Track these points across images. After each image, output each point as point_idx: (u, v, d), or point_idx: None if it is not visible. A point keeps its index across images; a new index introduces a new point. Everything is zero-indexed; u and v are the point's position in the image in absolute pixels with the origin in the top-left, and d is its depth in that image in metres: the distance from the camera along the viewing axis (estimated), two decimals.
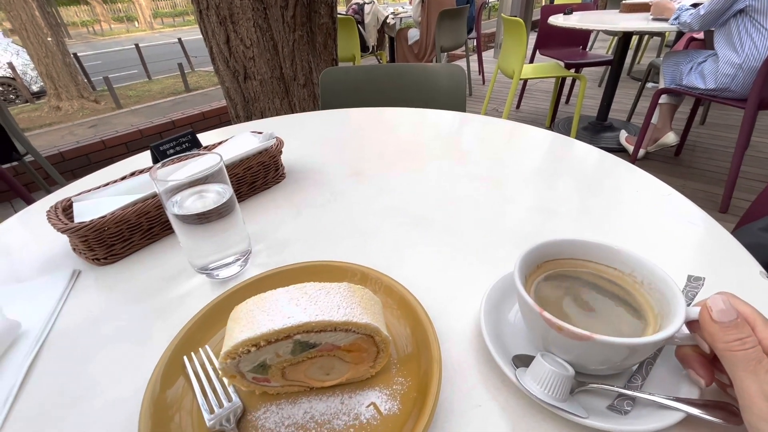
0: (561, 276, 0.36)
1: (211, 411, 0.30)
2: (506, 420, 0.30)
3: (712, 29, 1.76)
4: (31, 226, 0.61)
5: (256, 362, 0.28)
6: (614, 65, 2.40)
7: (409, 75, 1.25)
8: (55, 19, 5.39)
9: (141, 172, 0.60)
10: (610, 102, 2.54)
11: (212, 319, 0.37)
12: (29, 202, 1.65)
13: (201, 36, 1.94)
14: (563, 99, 3.32)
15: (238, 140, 0.67)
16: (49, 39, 4.94)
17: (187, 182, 0.40)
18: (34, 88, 5.96)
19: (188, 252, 0.45)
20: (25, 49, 5.16)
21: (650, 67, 2.70)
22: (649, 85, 3.11)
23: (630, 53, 3.65)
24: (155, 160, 0.60)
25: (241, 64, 2.02)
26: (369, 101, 1.26)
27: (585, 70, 3.72)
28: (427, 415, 0.27)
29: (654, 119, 2.13)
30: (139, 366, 0.36)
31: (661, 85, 2.05)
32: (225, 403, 0.31)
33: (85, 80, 5.45)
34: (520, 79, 2.35)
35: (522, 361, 0.32)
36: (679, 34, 2.70)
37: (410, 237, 0.52)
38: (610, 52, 4.15)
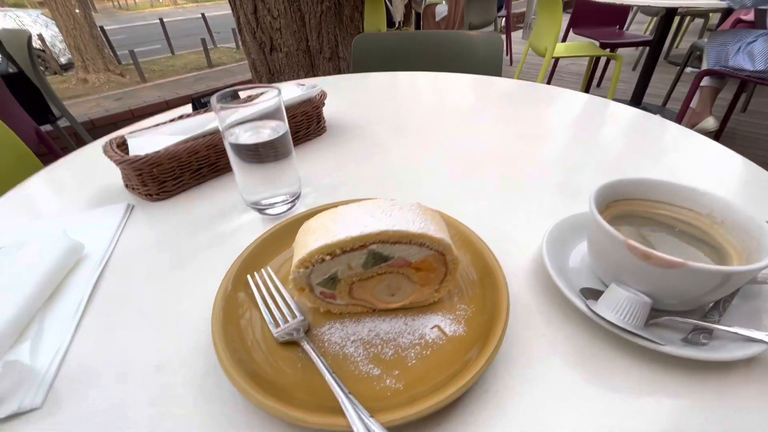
0: (631, 216, 0.35)
1: (277, 325, 0.31)
2: (574, 349, 0.30)
3: (765, 7, 1.65)
4: (84, 166, 0.62)
5: (328, 273, 0.28)
6: (653, 46, 2.28)
7: (445, 43, 1.21)
8: None
9: (188, 116, 0.60)
10: (646, 85, 2.43)
11: (273, 244, 0.38)
12: None
13: (224, 12, 1.92)
14: (594, 82, 3.20)
15: (283, 91, 0.66)
16: (77, 11, 5.00)
17: (247, 116, 0.41)
18: (63, 60, 6.06)
19: (243, 187, 0.45)
20: (54, 21, 5.24)
21: (692, 50, 2.56)
22: (688, 69, 2.96)
23: (669, 36, 3.47)
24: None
25: (268, 36, 2.00)
26: (402, 70, 1.24)
27: (619, 53, 3.56)
28: (498, 335, 0.27)
29: (693, 103, 2.03)
30: (198, 287, 0.37)
31: (704, 66, 1.94)
32: (290, 319, 0.31)
33: (111, 53, 5.52)
34: (552, 58, 2.27)
35: (590, 294, 0.31)
36: (724, 16, 2.55)
37: (460, 187, 0.51)
38: (647, 33, 3.95)
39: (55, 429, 0.27)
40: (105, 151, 0.49)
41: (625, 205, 0.35)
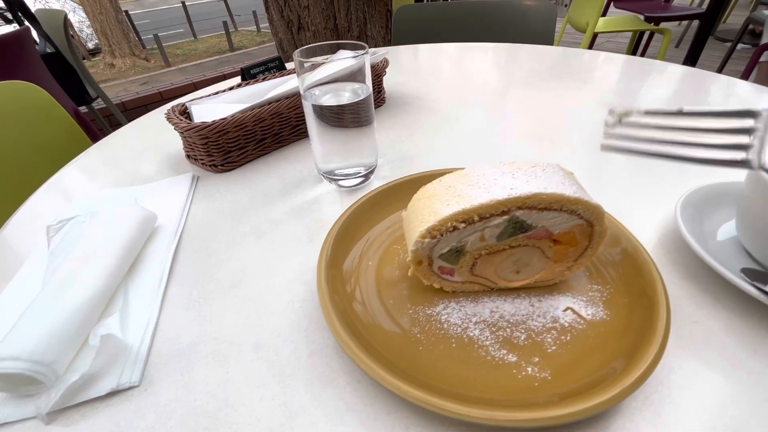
0: None
1: None
2: (740, 337, 0.25)
3: None
4: (143, 137, 0.60)
5: (456, 245, 0.25)
6: (705, 18, 2.11)
7: (492, 13, 1.14)
8: None
9: (247, 83, 0.56)
10: (695, 63, 2.27)
11: (370, 211, 0.35)
12: None
13: None
14: None
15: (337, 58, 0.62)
16: None
17: (329, 76, 0.37)
18: (90, 45, 6.15)
19: (319, 154, 0.41)
20: (81, 7, 5.30)
21: (747, 23, 2.37)
22: (739, 46, 2.75)
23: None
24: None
25: (296, 14, 1.94)
26: (446, 42, 1.17)
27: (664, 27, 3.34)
28: (662, 324, 0.23)
29: (750, 80, 1.88)
30: (286, 261, 0.34)
31: (765, 40, 1.78)
32: None
33: (136, 38, 5.56)
34: (595, 33, 2.13)
35: (754, 275, 0.27)
36: None
37: (548, 159, 0.46)
38: (694, 4, 3.69)
39: (157, 407, 0.24)
40: (168, 119, 0.46)
41: None
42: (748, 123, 0.18)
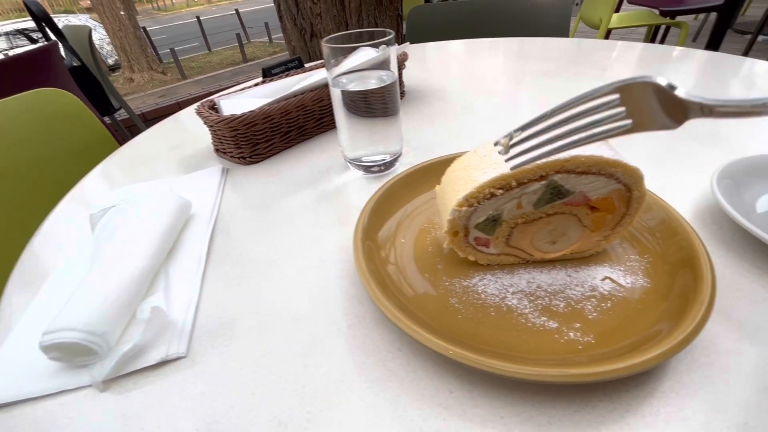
0: None
1: None
2: None
3: None
4: (170, 137, 0.62)
5: (493, 213, 0.25)
6: (724, 11, 2.07)
7: (505, 10, 1.14)
8: None
9: (271, 80, 0.58)
10: None
11: (401, 191, 0.35)
12: None
13: (255, 8, 1.93)
14: None
15: (360, 53, 0.63)
16: (122, 13, 5.23)
17: (357, 65, 0.38)
18: (110, 61, 6.37)
19: (347, 141, 0.42)
20: (101, 25, 5.51)
21: (767, 15, 2.31)
22: (760, 38, 2.68)
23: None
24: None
25: (308, 22, 1.98)
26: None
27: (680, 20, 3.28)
28: (708, 285, 0.22)
29: None
30: (318, 238, 0.35)
31: None
32: None
33: (154, 53, 5.75)
34: (609, 29, 2.11)
35: None
36: None
37: None
38: None
39: (205, 376, 0.25)
40: (199, 113, 0.48)
41: None
42: (612, 96, 0.20)
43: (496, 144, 0.23)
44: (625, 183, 0.24)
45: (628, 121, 0.20)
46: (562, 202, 0.25)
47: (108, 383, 0.25)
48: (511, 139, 0.22)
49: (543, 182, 0.23)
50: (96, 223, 0.37)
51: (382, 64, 0.39)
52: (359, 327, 0.27)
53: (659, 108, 0.19)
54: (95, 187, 0.51)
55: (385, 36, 0.38)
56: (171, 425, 0.23)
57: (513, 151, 0.22)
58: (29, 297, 0.33)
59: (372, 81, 0.40)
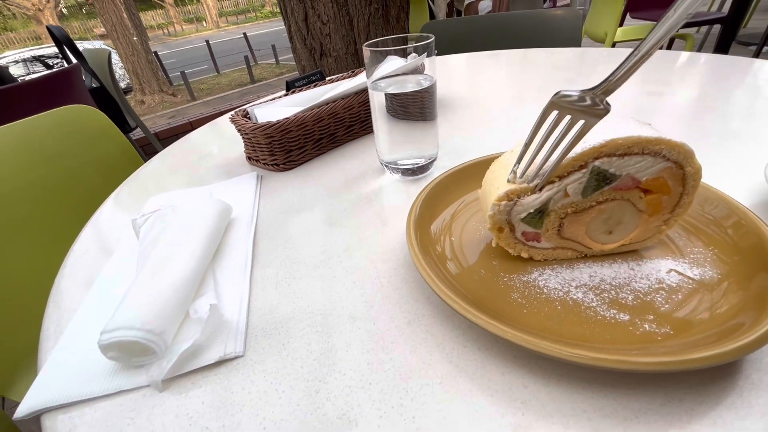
0: None
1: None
2: None
3: None
4: (199, 148, 0.63)
5: (538, 205, 0.25)
6: (727, 23, 2.10)
7: (516, 24, 1.16)
8: (139, 20, 5.88)
9: (300, 90, 0.59)
10: None
11: (446, 190, 0.35)
12: None
13: (262, 31, 1.99)
14: None
15: (391, 62, 0.64)
16: (135, 38, 5.42)
17: (394, 70, 0.39)
18: (123, 85, 6.55)
19: (384, 144, 0.43)
20: (114, 50, 5.71)
21: None
22: (765, 49, 2.70)
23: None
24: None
25: (318, 41, 2.04)
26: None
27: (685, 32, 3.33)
28: None
29: None
30: (363, 238, 0.35)
31: None
32: None
33: (164, 76, 5.91)
34: (614, 43, 2.15)
35: None
36: None
37: None
38: (713, 10, 3.67)
39: (265, 374, 0.24)
40: (233, 121, 0.49)
41: None
42: (554, 114, 0.24)
43: (509, 181, 0.25)
44: (675, 160, 0.23)
45: (582, 121, 0.22)
46: (610, 188, 0.24)
47: (166, 383, 0.25)
48: (515, 175, 0.25)
49: (584, 170, 0.23)
50: (139, 228, 0.38)
51: (421, 68, 0.40)
52: (418, 324, 0.26)
53: (582, 108, 0.23)
54: (134, 193, 0.52)
55: (425, 40, 0.38)
56: (236, 424, 0.22)
57: (528, 174, 0.24)
58: (76, 302, 0.33)
59: (409, 85, 0.41)
